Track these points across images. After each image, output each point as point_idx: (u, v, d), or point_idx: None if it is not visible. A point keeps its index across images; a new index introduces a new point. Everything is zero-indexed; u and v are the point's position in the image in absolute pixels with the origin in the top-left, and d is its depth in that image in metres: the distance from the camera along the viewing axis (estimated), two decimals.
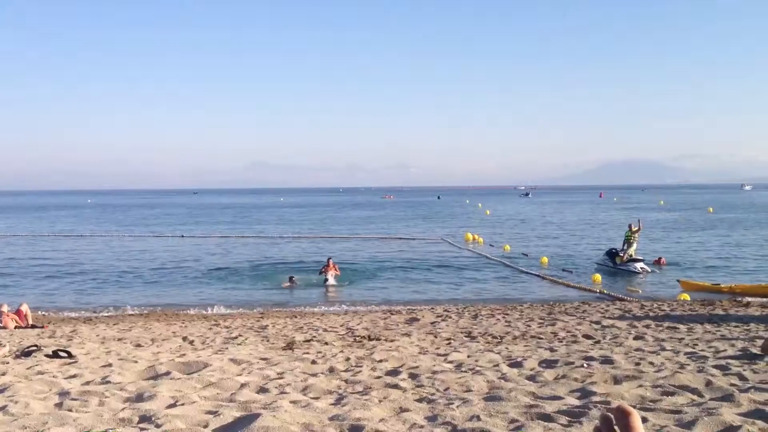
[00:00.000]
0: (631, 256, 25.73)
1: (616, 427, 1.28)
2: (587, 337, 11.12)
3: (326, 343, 10.59)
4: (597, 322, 13.15)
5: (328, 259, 24.72)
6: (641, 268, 24.98)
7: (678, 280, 21.65)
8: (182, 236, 45.90)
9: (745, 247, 34.65)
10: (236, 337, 11.52)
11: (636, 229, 26.31)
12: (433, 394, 6.43)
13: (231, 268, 27.95)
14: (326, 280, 23.17)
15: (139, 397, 6.28)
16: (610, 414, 1.30)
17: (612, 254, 26.35)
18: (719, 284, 20.48)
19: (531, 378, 7.23)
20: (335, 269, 24.05)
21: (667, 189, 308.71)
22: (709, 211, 74.10)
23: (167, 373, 7.56)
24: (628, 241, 26.15)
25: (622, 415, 1.28)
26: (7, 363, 8.38)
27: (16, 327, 14.42)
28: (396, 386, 6.80)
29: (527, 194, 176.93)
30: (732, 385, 6.60)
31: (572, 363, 8.10)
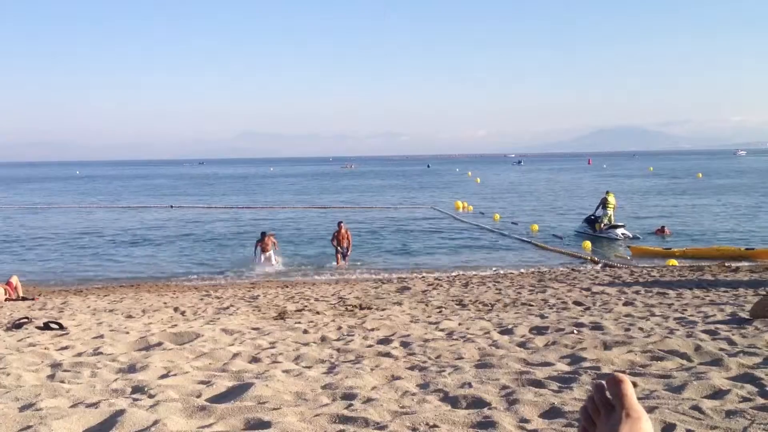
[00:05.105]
0: (610, 222, 25.68)
1: (608, 394, 1.29)
2: (577, 303, 11.19)
3: (318, 313, 10.61)
4: (587, 289, 13.24)
5: (263, 233, 21.38)
6: (622, 234, 24.96)
7: (628, 247, 21.70)
8: (171, 207, 45.82)
9: (738, 213, 34.91)
10: (227, 308, 11.52)
11: (610, 195, 26.30)
12: (424, 362, 6.46)
13: (221, 237, 27.88)
14: (263, 257, 20.58)
15: (132, 368, 6.27)
16: (602, 382, 1.31)
17: (591, 221, 26.23)
18: (671, 248, 20.48)
19: (522, 345, 7.27)
20: (274, 245, 21.14)
21: (658, 155, 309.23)
22: (698, 177, 74.55)
23: (159, 344, 7.56)
24: (603, 207, 25.95)
25: (615, 383, 1.29)
26: None
27: (6, 299, 14.36)
28: (388, 354, 6.83)
29: (519, 162, 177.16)
30: (721, 349, 6.66)
31: (562, 329, 8.15)
